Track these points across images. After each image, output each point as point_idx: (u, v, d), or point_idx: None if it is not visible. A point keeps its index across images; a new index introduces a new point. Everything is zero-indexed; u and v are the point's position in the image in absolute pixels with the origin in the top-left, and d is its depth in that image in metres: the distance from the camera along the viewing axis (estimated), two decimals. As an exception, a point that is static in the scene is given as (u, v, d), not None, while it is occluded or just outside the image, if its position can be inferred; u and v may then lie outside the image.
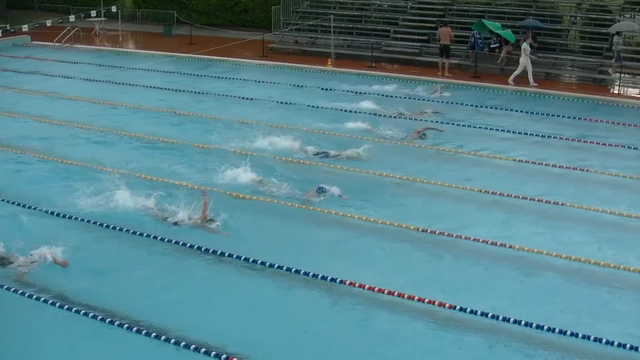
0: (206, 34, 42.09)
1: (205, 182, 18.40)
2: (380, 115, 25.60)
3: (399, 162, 20.72)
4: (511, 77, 31.24)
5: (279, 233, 16.15)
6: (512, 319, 12.39)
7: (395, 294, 13.18)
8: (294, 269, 13.97)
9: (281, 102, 27.56)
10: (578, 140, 23.40)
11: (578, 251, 15.16)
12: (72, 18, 39.97)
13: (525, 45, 30.87)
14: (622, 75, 31.94)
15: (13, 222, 15.96)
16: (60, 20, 40.48)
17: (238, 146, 21.45)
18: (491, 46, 34.83)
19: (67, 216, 16.33)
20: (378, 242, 15.61)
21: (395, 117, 25.45)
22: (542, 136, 23.73)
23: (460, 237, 15.72)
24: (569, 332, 12.02)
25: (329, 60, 34.90)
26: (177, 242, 15.14)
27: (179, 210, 16.23)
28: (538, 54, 33.72)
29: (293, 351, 11.57)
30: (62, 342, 11.78)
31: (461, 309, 12.68)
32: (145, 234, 15.51)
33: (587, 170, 20.44)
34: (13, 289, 13.13)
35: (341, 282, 13.57)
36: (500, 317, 12.45)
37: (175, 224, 15.93)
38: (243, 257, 14.47)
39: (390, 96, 28.40)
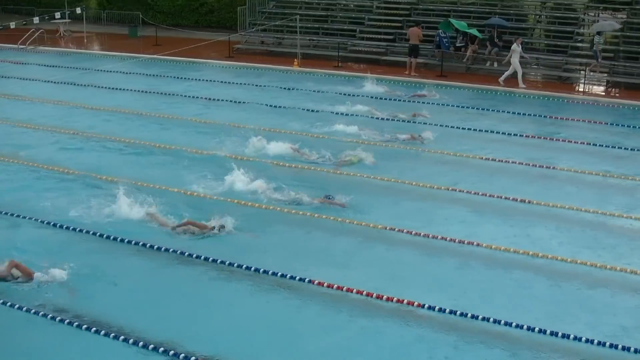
0: (172, 35, 41.89)
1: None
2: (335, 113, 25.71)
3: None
4: (502, 78, 31.24)
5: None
6: (480, 316, 12.43)
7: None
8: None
9: (243, 102, 27.50)
10: (543, 138, 23.54)
11: (543, 247, 15.25)
12: (36, 20, 39.72)
13: (515, 47, 30.87)
14: (592, 73, 32.26)
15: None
16: (24, 22, 40.21)
17: (205, 147, 21.40)
18: (457, 45, 34.96)
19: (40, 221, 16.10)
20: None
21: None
22: (507, 134, 23.83)
23: (428, 236, 15.75)
24: (537, 329, 12.05)
25: (296, 60, 34.87)
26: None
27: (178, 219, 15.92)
28: (504, 52, 33.90)
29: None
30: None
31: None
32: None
33: (552, 168, 20.57)
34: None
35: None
36: (469, 315, 12.50)
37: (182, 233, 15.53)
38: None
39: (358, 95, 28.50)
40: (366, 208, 17.18)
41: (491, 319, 12.34)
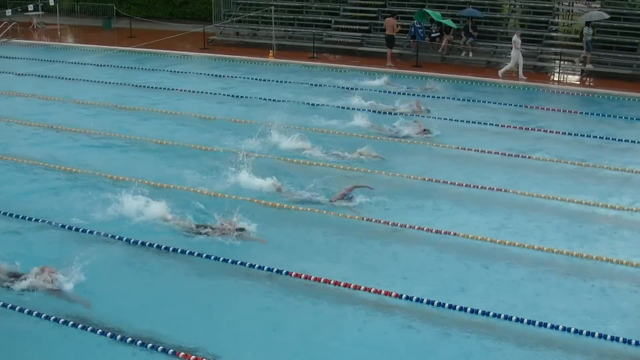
0: (146, 27, 41.68)
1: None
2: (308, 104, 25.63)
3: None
4: (501, 71, 31.16)
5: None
6: (457, 306, 12.48)
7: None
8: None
9: (236, 96, 27.46)
10: (518, 128, 23.62)
11: (520, 236, 15.32)
12: (8, 12, 39.40)
13: (515, 38, 30.77)
14: (562, 62, 32.40)
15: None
16: (-4, 15, 39.90)
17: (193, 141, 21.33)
18: (432, 35, 35.00)
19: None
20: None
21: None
22: (481, 123, 23.90)
23: (397, 225, 15.79)
24: (514, 318, 12.11)
25: (271, 51, 34.79)
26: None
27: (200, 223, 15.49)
28: (479, 42, 34.01)
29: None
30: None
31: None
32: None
33: (527, 157, 20.66)
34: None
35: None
36: (447, 305, 12.55)
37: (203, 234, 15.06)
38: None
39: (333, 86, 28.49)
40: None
41: (469, 309, 12.37)
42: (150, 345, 11.11)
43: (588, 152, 21.29)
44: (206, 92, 27.64)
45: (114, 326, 11.61)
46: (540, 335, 11.77)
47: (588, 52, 31.65)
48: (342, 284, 13.15)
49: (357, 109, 24.94)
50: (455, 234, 15.36)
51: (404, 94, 27.66)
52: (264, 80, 30.01)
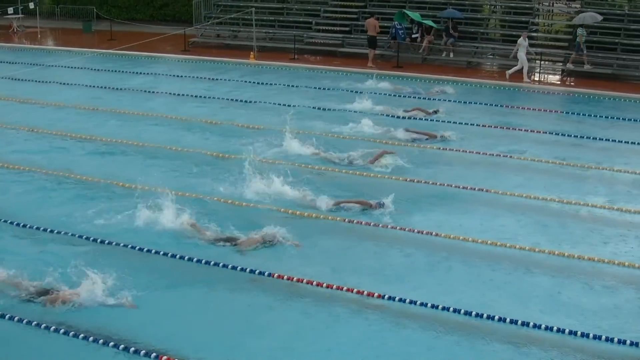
0: (127, 29, 41.57)
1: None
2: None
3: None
4: (509, 72, 31.09)
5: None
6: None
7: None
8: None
9: (203, 97, 27.41)
10: (498, 127, 23.68)
11: (500, 236, 15.37)
12: (-12, 15, 39.21)
13: (521, 40, 30.75)
14: (543, 62, 32.53)
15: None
16: (-25, 18, 39.70)
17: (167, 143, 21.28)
18: (412, 36, 35.06)
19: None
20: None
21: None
22: (463, 124, 23.95)
23: (378, 226, 15.80)
24: (485, 315, 12.16)
25: (252, 53, 34.75)
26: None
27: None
28: (459, 43, 34.11)
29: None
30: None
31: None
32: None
33: (507, 156, 20.74)
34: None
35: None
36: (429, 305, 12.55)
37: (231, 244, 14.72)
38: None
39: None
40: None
41: (451, 309, 12.38)
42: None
43: (568, 151, 21.38)
44: (186, 95, 27.54)
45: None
46: (522, 333, 11.82)
47: (582, 53, 31.65)
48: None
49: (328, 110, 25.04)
50: (437, 235, 15.40)
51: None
52: (246, 82, 29.97)
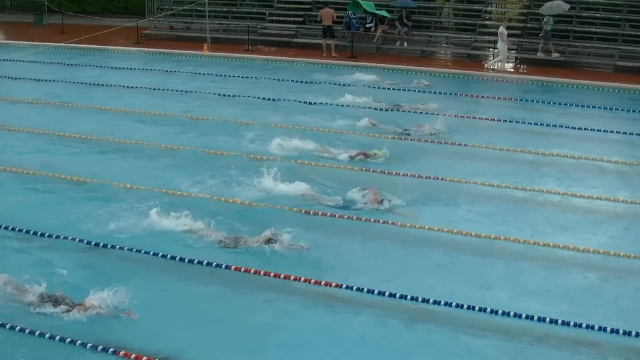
0: (78, 22, 41.13)
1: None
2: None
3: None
4: (501, 66, 31.32)
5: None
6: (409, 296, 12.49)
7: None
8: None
9: (157, 89, 27.18)
10: (454, 116, 23.77)
11: (459, 224, 15.44)
12: None
13: (501, 29, 30.87)
14: (495, 50, 32.71)
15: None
16: None
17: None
18: (366, 26, 35.10)
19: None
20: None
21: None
22: (419, 113, 23.99)
23: (343, 217, 15.76)
24: (466, 306, 12.13)
25: (205, 45, 34.56)
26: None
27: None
28: (413, 32, 34.20)
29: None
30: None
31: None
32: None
33: (462, 145, 20.82)
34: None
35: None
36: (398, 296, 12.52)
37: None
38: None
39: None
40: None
41: (420, 298, 12.36)
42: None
43: (523, 138, 21.50)
44: (139, 87, 27.29)
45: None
46: (487, 321, 11.83)
47: (549, 41, 31.86)
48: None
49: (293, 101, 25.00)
50: (393, 224, 15.41)
51: (336, 84, 27.71)
52: (200, 73, 29.83)
